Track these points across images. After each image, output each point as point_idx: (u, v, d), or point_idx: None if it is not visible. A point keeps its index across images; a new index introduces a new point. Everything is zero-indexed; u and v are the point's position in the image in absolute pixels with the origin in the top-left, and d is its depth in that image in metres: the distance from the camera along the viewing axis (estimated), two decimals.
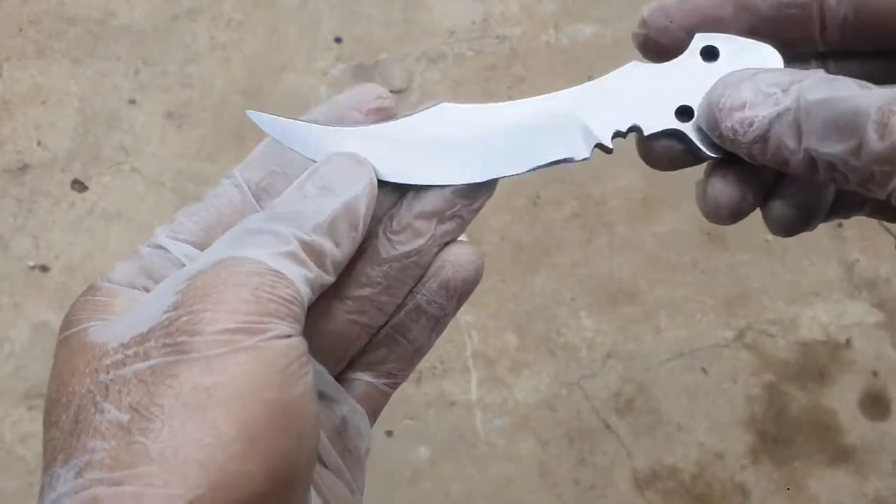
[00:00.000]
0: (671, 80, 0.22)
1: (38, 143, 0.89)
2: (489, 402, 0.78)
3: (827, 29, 0.21)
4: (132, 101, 0.92)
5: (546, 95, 0.23)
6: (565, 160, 0.22)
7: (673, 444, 0.76)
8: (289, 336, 0.19)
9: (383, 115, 0.24)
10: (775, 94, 0.20)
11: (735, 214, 0.23)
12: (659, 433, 0.77)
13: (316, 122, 0.23)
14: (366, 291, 0.23)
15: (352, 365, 0.25)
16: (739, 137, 0.20)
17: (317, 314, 0.22)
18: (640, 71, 0.23)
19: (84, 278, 0.82)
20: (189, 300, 0.18)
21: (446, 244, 0.24)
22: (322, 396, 0.23)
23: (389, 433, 0.77)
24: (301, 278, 0.20)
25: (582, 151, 0.22)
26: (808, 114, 0.19)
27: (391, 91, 0.93)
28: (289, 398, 0.18)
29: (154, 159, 0.89)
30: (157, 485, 0.16)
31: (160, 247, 0.22)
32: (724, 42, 0.22)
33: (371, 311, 0.23)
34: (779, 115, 0.19)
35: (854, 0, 0.21)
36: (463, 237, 0.26)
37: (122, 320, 0.20)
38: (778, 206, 0.22)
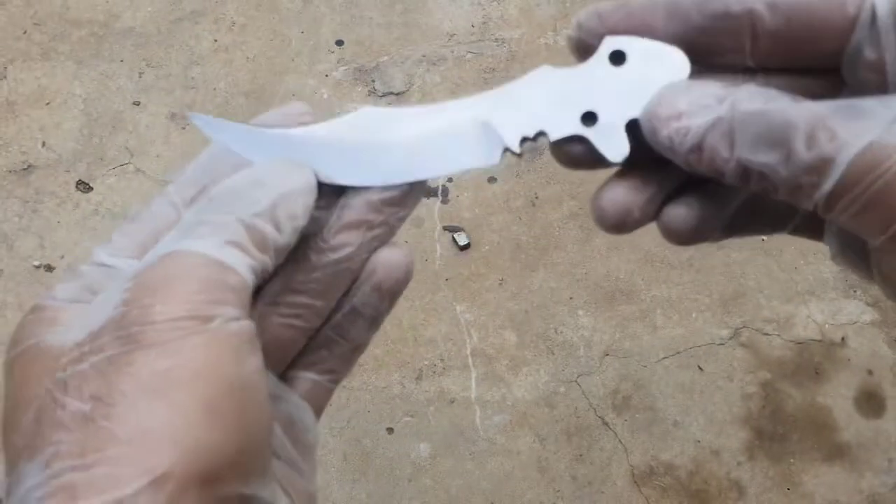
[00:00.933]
0: (578, 84, 0.23)
1: (43, 145, 0.90)
2: (488, 400, 0.79)
3: (758, 41, 0.21)
4: (136, 103, 0.92)
5: (462, 100, 0.23)
6: (477, 167, 0.23)
7: (669, 441, 0.77)
8: (237, 319, 0.19)
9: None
10: (710, 104, 0.20)
11: (619, 225, 0.23)
12: (655, 430, 0.77)
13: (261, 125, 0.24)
14: (301, 298, 0.23)
15: (294, 364, 0.26)
16: (676, 146, 0.20)
17: (256, 319, 0.23)
18: (549, 75, 0.23)
19: None
20: (139, 295, 0.19)
21: (376, 248, 0.25)
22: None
23: (390, 430, 0.77)
24: (244, 265, 0.20)
25: (492, 158, 0.23)
26: (741, 124, 0.20)
27: (392, 93, 0.93)
28: (244, 373, 0.19)
29: (158, 160, 0.89)
30: (129, 463, 0.17)
31: (101, 264, 0.23)
32: (632, 45, 0.22)
33: (307, 315, 0.24)
34: (713, 125, 0.20)
35: (786, 13, 0.21)
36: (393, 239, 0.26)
37: (74, 324, 0.20)
38: (672, 213, 0.23)
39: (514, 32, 0.95)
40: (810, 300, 0.82)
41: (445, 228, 0.85)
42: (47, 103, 0.92)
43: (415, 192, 0.24)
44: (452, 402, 0.78)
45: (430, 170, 0.23)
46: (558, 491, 0.75)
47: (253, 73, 0.93)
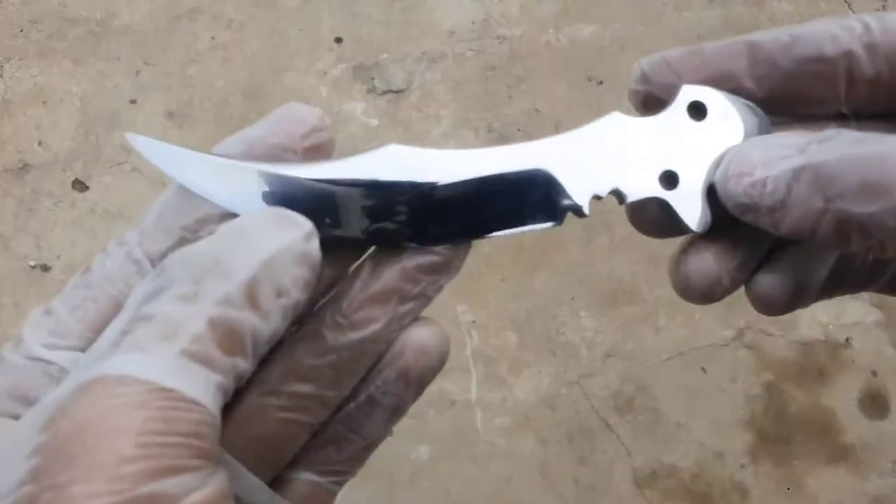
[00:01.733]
0: (656, 138, 0.19)
1: (39, 143, 0.89)
2: (489, 402, 0.78)
3: (855, 87, 0.18)
4: (133, 101, 0.92)
5: (515, 146, 0.19)
6: (537, 229, 0.19)
7: (672, 444, 0.76)
8: (199, 488, 0.14)
9: (322, 151, 0.19)
10: (790, 155, 0.17)
11: (708, 296, 0.20)
12: (658, 432, 0.77)
13: (226, 155, 0.18)
14: (307, 387, 0.18)
15: (291, 462, 0.20)
16: (756, 204, 0.17)
17: (244, 415, 0.18)
18: (623, 124, 0.20)
19: None
20: (52, 466, 0.13)
21: (408, 325, 0.20)
22: None
23: (389, 432, 0.77)
24: (206, 386, 0.14)
25: (556, 218, 0.19)
26: (834, 169, 0.16)
27: (392, 91, 0.93)
28: None
29: None
30: None
31: (36, 358, 0.17)
32: (711, 98, 0.19)
33: (314, 407, 0.19)
34: (797, 174, 0.16)
35: (889, 54, 0.18)
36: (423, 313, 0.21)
37: None
38: (764, 282, 0.20)
39: (515, 30, 0.95)
40: None
41: None
42: (43, 102, 0.92)
43: (461, 254, 0.19)
44: (453, 403, 0.78)
45: (484, 228, 0.19)
46: (560, 494, 0.75)
47: (251, 71, 0.93)
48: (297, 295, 0.16)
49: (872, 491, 0.75)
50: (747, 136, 0.19)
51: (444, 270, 0.20)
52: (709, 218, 0.20)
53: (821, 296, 0.21)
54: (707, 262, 0.19)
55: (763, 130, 0.19)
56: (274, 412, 0.18)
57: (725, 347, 0.80)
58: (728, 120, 0.19)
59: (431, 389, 0.85)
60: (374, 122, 0.91)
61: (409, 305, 0.20)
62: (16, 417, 0.16)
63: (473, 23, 0.95)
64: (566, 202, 0.20)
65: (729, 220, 0.19)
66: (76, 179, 0.87)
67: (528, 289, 0.83)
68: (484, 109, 0.91)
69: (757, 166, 0.17)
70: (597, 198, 0.20)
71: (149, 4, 0.97)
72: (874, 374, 0.79)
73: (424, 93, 0.92)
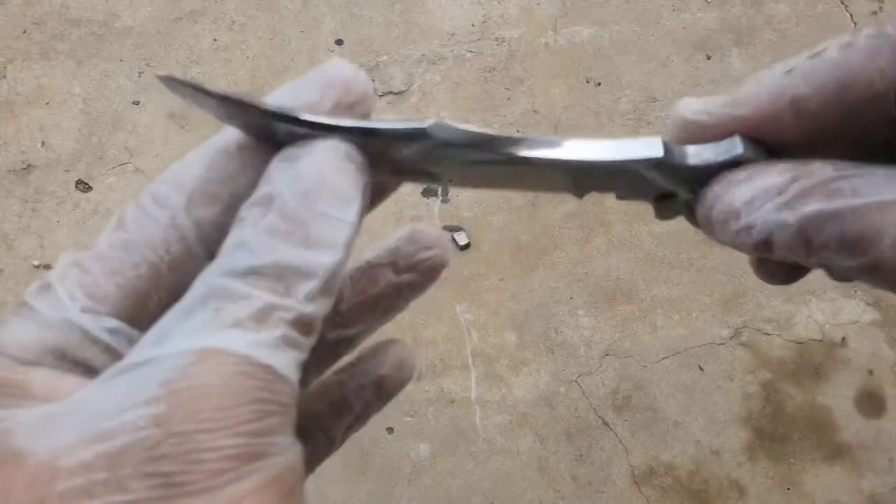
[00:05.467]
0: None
1: (43, 144, 0.90)
2: (488, 400, 0.78)
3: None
4: (136, 103, 0.92)
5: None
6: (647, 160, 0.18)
7: (670, 441, 0.77)
8: (288, 449, 0.15)
9: (361, 109, 0.19)
10: (771, 199, 0.17)
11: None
12: (656, 430, 0.77)
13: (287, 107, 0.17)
14: None
15: None
16: (745, 242, 0.17)
17: None
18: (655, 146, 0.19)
19: None
20: (175, 416, 0.14)
21: (384, 343, 0.21)
22: None
23: (390, 430, 0.77)
24: (294, 365, 0.16)
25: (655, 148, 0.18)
26: (812, 229, 0.16)
27: (392, 93, 0.93)
28: None
29: (157, 160, 0.89)
30: None
31: (67, 320, 0.17)
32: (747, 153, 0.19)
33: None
34: (779, 227, 0.17)
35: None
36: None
37: (65, 421, 0.15)
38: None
39: (513, 31, 0.95)
40: (811, 300, 0.82)
41: (445, 228, 0.85)
42: (47, 103, 0.92)
43: (437, 276, 0.20)
44: (452, 402, 0.78)
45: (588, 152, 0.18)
46: (558, 491, 0.75)
47: (252, 73, 0.93)
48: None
49: (869, 489, 0.75)
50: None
51: (423, 288, 0.21)
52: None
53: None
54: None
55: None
56: None
57: (722, 346, 0.80)
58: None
59: (431, 388, 0.86)
60: None
61: (389, 314, 0.21)
62: (66, 371, 0.17)
63: (473, 25, 0.96)
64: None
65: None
66: (79, 180, 0.88)
67: (526, 288, 0.84)
68: (483, 110, 0.91)
69: (741, 212, 0.17)
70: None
71: (151, 6, 0.97)
72: (870, 372, 0.79)
73: (424, 94, 0.92)
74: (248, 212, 0.17)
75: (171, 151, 0.89)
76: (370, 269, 0.21)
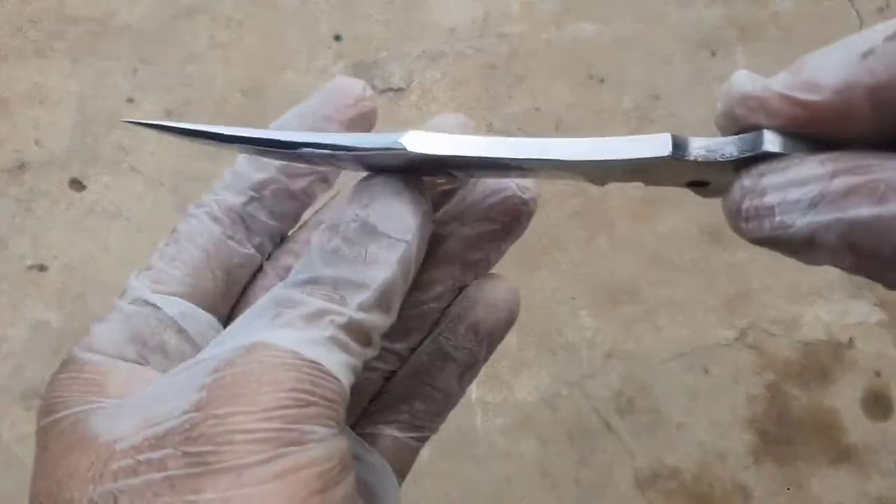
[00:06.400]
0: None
1: (37, 143, 0.89)
2: (489, 402, 0.78)
3: None
4: (131, 100, 0.91)
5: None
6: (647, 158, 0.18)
7: (674, 444, 0.76)
8: (329, 438, 0.16)
9: (366, 121, 0.21)
10: (809, 197, 0.15)
11: None
12: (660, 433, 0.77)
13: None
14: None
15: (373, 418, 0.22)
16: (781, 238, 0.16)
17: None
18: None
19: (83, 278, 0.82)
20: (215, 400, 0.16)
21: (472, 281, 0.22)
22: None
23: None
24: (344, 367, 0.17)
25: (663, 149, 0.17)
26: (854, 235, 0.15)
27: (391, 89, 0.92)
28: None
29: (153, 159, 0.88)
30: None
31: (146, 302, 0.20)
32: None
33: (385, 356, 0.21)
34: (824, 228, 0.15)
35: None
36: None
37: (129, 411, 0.17)
38: None
39: (515, 28, 0.94)
40: (817, 301, 0.82)
41: None
42: (41, 101, 0.92)
43: (522, 220, 0.22)
44: None
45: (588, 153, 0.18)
46: (560, 495, 0.75)
47: (250, 70, 0.93)
48: (412, 276, 0.19)
49: (875, 492, 0.74)
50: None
51: (504, 237, 0.22)
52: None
53: None
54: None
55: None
56: None
57: (727, 347, 0.80)
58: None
59: None
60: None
61: (470, 270, 0.22)
62: (140, 363, 0.19)
63: (473, 21, 0.95)
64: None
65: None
66: (74, 179, 0.87)
67: (528, 288, 0.83)
68: (484, 108, 0.90)
69: (774, 208, 0.16)
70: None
71: (148, 4, 0.97)
72: (877, 374, 0.78)
73: (424, 91, 0.91)
74: (316, 237, 0.19)
75: (166, 150, 0.89)
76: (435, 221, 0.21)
